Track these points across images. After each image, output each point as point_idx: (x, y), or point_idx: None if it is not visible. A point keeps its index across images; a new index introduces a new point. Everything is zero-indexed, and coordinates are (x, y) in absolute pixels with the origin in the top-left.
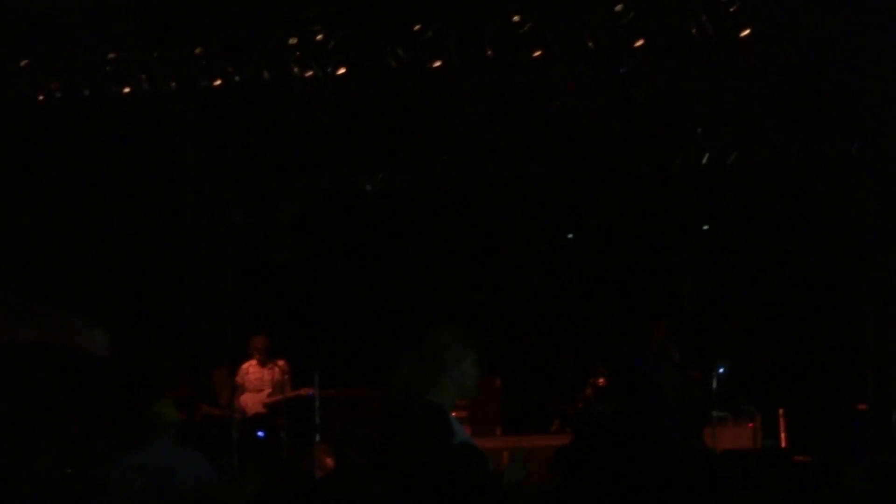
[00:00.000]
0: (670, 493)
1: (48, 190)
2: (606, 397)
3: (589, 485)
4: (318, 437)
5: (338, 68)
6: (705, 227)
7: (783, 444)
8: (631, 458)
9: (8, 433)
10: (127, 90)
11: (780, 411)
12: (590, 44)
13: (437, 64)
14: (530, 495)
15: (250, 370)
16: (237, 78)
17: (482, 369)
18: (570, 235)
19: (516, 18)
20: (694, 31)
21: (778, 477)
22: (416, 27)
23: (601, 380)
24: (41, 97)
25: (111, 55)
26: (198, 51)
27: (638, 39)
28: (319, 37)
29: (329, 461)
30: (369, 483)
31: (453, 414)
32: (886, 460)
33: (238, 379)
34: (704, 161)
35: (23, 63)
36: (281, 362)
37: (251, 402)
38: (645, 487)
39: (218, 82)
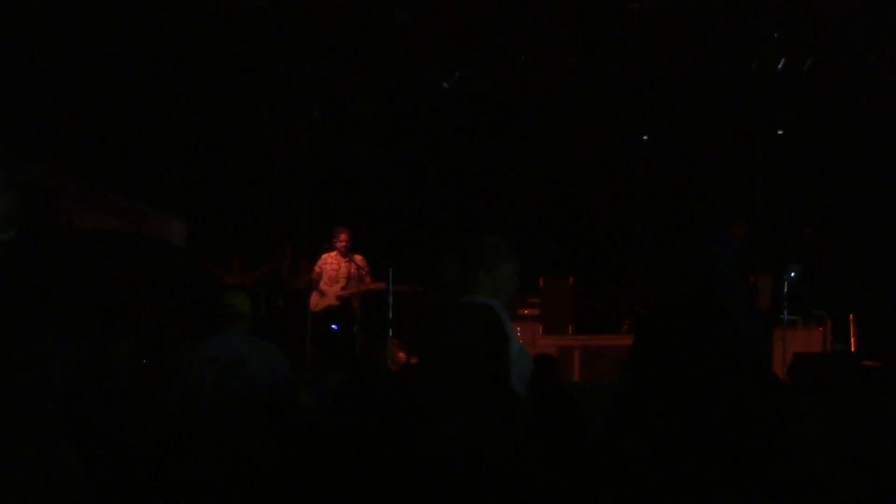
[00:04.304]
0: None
1: (129, 82)
2: (675, 285)
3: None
4: (390, 332)
5: None
6: (780, 132)
7: (852, 349)
8: (701, 348)
9: (87, 321)
10: None
11: (851, 316)
12: None
13: None
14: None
15: (329, 261)
16: None
17: (521, 281)
18: (644, 137)
19: None
20: None
21: (846, 380)
22: None
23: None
24: None
25: None
26: None
27: None
28: None
29: (401, 355)
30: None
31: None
32: None
33: (316, 267)
34: (780, 66)
35: None
36: (358, 257)
37: (326, 291)
38: (714, 381)
39: None
